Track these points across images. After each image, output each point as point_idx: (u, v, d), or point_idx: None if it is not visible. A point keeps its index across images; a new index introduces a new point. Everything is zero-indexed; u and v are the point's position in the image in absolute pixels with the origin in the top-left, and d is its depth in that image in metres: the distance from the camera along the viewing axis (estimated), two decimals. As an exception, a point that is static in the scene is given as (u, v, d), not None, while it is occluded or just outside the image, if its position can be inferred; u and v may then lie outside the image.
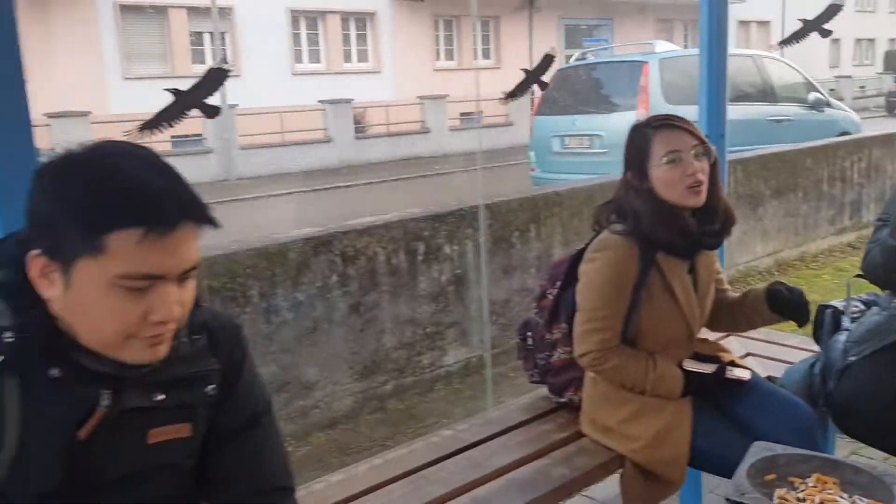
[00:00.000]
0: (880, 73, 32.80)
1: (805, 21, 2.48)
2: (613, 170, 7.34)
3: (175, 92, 1.61)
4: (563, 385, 2.20)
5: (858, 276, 2.51)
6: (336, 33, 19.82)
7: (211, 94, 1.65)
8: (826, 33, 2.52)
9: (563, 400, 2.23)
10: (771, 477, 1.51)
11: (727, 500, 1.40)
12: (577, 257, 2.08)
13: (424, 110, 17.95)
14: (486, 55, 23.27)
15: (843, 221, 6.81)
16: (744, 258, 5.72)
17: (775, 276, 5.81)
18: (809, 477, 1.50)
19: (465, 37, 22.68)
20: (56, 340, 1.00)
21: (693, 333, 2.05)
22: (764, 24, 30.62)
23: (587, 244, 2.06)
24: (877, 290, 2.48)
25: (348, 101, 16.72)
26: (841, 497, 1.43)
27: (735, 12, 28.82)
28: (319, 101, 16.32)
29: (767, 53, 9.58)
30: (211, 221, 1.02)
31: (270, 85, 16.78)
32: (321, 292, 3.29)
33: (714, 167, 1.96)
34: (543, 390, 2.39)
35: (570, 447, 2.07)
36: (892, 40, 37.92)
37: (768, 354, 2.67)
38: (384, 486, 1.86)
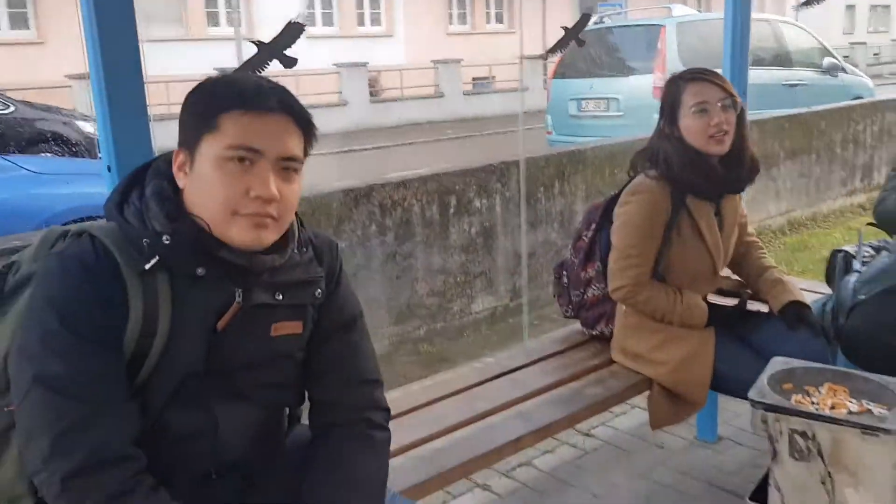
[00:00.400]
0: (895, 40, 32.50)
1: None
2: (630, 132, 7.52)
3: (258, 44, 1.81)
4: (595, 318, 2.41)
5: (870, 223, 2.71)
6: (350, -3, 19.84)
7: (289, 47, 1.85)
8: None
9: (595, 332, 2.45)
10: (788, 386, 1.73)
11: (751, 401, 1.61)
12: (612, 201, 2.28)
13: (438, 74, 17.98)
14: (499, 19, 23.21)
15: (854, 183, 6.96)
16: (757, 216, 5.89)
17: (787, 235, 5.99)
18: (822, 386, 1.71)
19: (479, 0, 22.61)
20: (202, 243, 1.21)
21: (717, 270, 2.25)
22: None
23: (622, 189, 2.25)
24: (886, 237, 2.68)
25: (363, 64, 16.77)
26: (850, 402, 1.65)
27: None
28: (335, 65, 16.39)
29: (784, 18, 9.62)
30: (306, 119, 1.25)
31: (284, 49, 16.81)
32: (361, 241, 3.50)
33: (741, 118, 2.14)
34: (575, 326, 2.61)
35: (603, 372, 2.29)
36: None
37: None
38: (438, 402, 2.08)
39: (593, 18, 10.21)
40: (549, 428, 1.99)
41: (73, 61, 7.39)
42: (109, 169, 1.59)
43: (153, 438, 1.21)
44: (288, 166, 1.23)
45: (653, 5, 11.12)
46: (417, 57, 19.35)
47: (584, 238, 2.39)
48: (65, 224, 1.32)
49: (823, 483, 1.55)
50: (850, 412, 1.59)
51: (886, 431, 1.46)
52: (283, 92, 1.24)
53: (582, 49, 8.99)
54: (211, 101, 1.21)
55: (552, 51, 2.80)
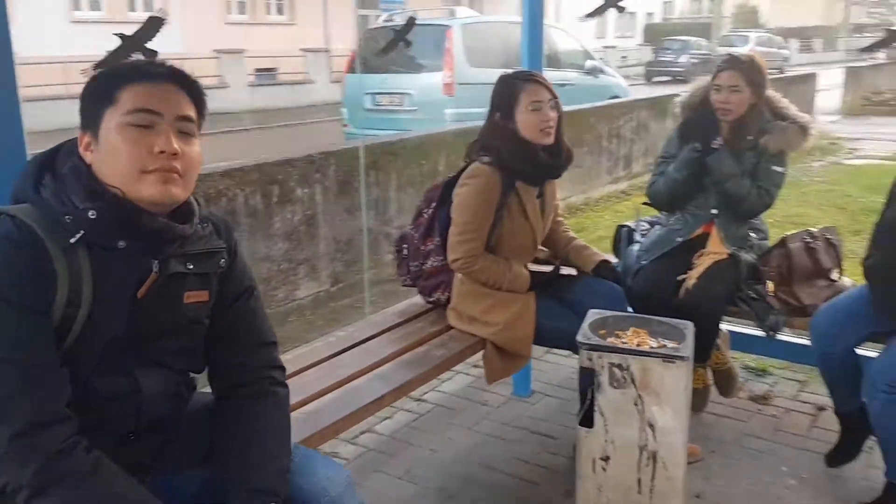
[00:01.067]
0: (640, 45, 36.42)
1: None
2: (424, 126, 7.92)
3: (122, 36, 1.87)
4: (432, 287, 2.71)
5: (645, 203, 3.25)
6: (119, -21, 18.65)
7: (150, 40, 1.93)
8: (621, 9, 3.19)
9: (431, 300, 2.74)
10: (602, 332, 2.12)
11: (578, 343, 1.98)
12: (450, 183, 2.58)
13: (221, 65, 17.47)
14: (280, 10, 22.95)
15: (618, 172, 7.91)
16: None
17: (567, 219, 6.71)
18: (628, 330, 2.13)
19: (258, -10, 22.23)
20: (125, 213, 1.32)
21: (537, 244, 2.64)
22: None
23: (459, 172, 2.56)
24: (656, 213, 3.23)
25: (153, 52, 15.86)
26: (650, 340, 2.07)
27: (518, -18, 30.57)
28: (108, 52, 15.34)
29: (553, 23, 10.58)
30: (195, 86, 1.40)
31: (46, 33, 15.51)
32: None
33: (560, 117, 2.53)
34: (410, 300, 2.89)
35: (443, 337, 2.58)
36: (650, 14, 42.11)
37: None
38: (302, 372, 2.25)
39: (382, 17, 10.58)
40: (406, 386, 2.25)
41: None
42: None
43: (82, 402, 1.30)
44: (184, 128, 1.37)
45: (433, 6, 11.75)
46: (195, 46, 18.63)
47: (424, 215, 2.68)
48: None
49: (636, 404, 1.95)
50: (651, 348, 2.01)
51: (681, 358, 1.89)
52: (170, 66, 1.40)
53: (374, 45, 9.32)
54: (109, 80, 1.35)
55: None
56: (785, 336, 3.12)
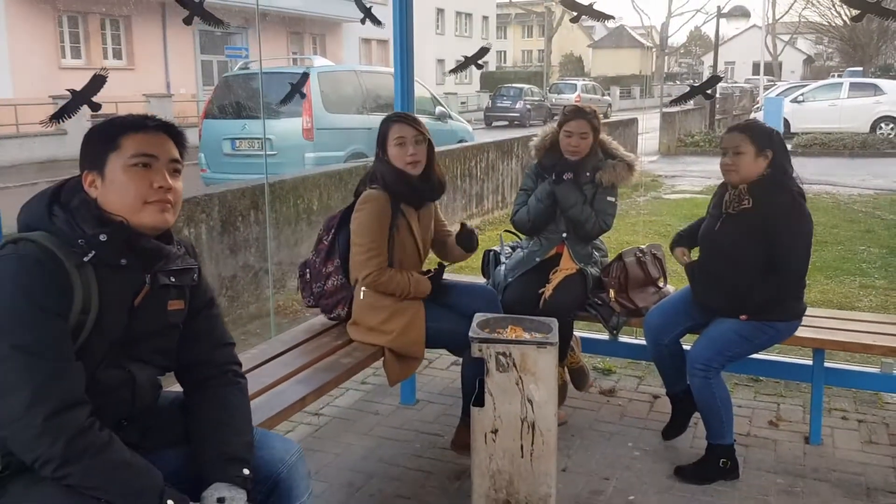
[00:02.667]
0: (478, 91, 38.33)
1: (466, 57, 3.66)
2: (284, 169, 8.20)
3: (72, 92, 2.17)
4: (334, 304, 3.10)
5: (507, 231, 3.80)
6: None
7: (95, 94, 2.24)
8: (480, 66, 3.75)
9: (332, 316, 3.13)
10: (486, 330, 2.60)
11: (470, 337, 2.44)
12: (346, 212, 3.00)
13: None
14: (117, 55, 22.37)
15: (472, 209, 8.57)
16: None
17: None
18: (507, 327, 2.62)
19: (94, 35, 21.56)
20: (127, 239, 1.65)
21: (422, 257, 3.10)
22: (383, 42, 33.80)
23: (353, 202, 2.98)
24: (515, 239, 3.78)
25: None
26: (525, 334, 2.57)
27: (358, 31, 31.52)
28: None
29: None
30: (178, 132, 1.76)
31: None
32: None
33: (430, 149, 3.00)
34: (311, 321, 3.25)
35: (347, 348, 2.96)
36: (485, 63, 44.37)
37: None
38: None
39: (238, 64, 10.81)
40: (323, 388, 2.62)
41: None
42: None
43: (88, 392, 1.61)
44: (174, 168, 1.74)
45: (278, 55, 12.13)
46: (28, 91, 17.85)
47: (325, 241, 3.08)
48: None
49: (517, 384, 2.43)
50: (526, 339, 2.51)
51: (552, 344, 2.40)
52: (160, 119, 1.77)
53: (231, 91, 9.54)
54: (112, 131, 1.70)
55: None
56: (625, 338, 3.78)
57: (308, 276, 3.15)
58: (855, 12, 2.94)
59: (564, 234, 3.47)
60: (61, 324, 1.56)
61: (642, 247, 3.61)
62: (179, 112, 19.82)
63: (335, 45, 30.39)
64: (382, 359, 2.96)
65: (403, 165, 2.94)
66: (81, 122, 16.71)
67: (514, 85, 31.20)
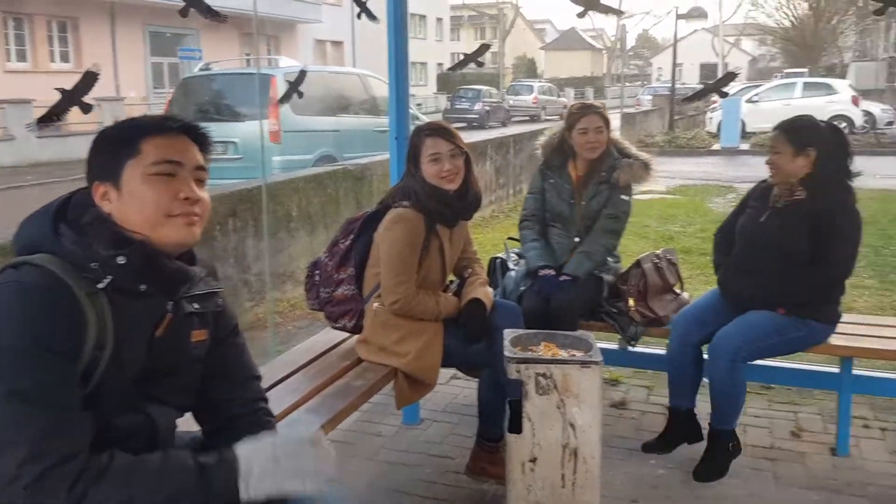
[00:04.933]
0: (435, 93, 38.14)
1: (465, 54, 3.46)
2: (250, 174, 7.87)
3: (62, 91, 1.88)
4: (340, 314, 2.85)
5: (510, 238, 3.61)
6: None
7: (86, 94, 1.96)
8: (480, 64, 3.54)
9: (337, 325, 2.89)
10: (518, 348, 2.38)
11: (507, 358, 2.22)
12: (371, 217, 2.75)
13: (6, 116, 16.08)
14: (64, 58, 21.59)
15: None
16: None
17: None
18: (539, 345, 2.40)
19: (39, 37, 20.77)
20: (149, 261, 1.39)
21: (445, 279, 2.87)
22: (337, 43, 33.40)
23: (379, 206, 2.74)
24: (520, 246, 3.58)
25: None
26: (560, 351, 2.36)
27: (312, 32, 31.07)
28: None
29: (370, 73, 10.95)
30: (203, 135, 1.51)
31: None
32: None
33: (468, 162, 2.77)
34: (314, 339, 3.00)
35: (357, 369, 2.72)
36: (440, 64, 44.27)
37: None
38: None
39: (199, 66, 10.41)
40: (338, 417, 2.37)
41: None
42: None
43: (102, 439, 1.34)
44: (199, 176, 1.49)
45: (226, 53, 11.74)
46: (-32, 95, 17.09)
47: (341, 244, 2.82)
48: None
49: (559, 408, 2.22)
50: (568, 357, 2.30)
51: (595, 363, 2.19)
52: (179, 118, 1.52)
53: (191, 94, 9.16)
54: (129, 133, 1.44)
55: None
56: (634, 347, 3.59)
57: (318, 277, 2.89)
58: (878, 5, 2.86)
59: (577, 239, 3.30)
60: (68, 366, 1.30)
61: (657, 252, 3.44)
62: (130, 115, 19.12)
63: (291, 47, 29.84)
64: (394, 381, 2.73)
65: (438, 181, 2.70)
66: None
67: (472, 86, 31.08)
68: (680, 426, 3.06)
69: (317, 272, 2.90)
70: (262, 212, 4.18)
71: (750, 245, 2.89)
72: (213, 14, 2.41)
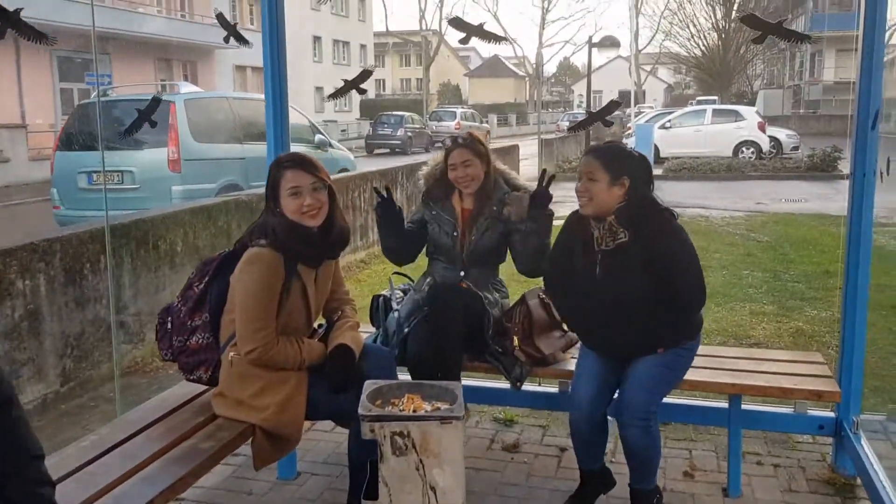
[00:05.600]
0: (359, 119, 37.95)
1: (345, 81, 3.28)
2: (148, 204, 7.54)
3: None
4: (195, 364, 2.59)
5: (397, 272, 3.41)
6: None
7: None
8: (362, 91, 3.36)
9: (192, 377, 2.62)
10: (379, 402, 2.18)
11: (360, 416, 2.02)
12: (227, 258, 2.51)
13: None
14: (-37, 83, 20.53)
15: (356, 242, 8.12)
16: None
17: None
18: (403, 396, 2.21)
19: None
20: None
21: (311, 323, 2.64)
22: (259, 69, 32.85)
23: (235, 247, 2.50)
24: (407, 281, 3.40)
25: None
26: (425, 404, 2.17)
27: (231, 58, 30.53)
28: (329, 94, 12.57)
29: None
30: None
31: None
32: None
33: (332, 196, 2.57)
34: (166, 394, 2.73)
35: (210, 427, 2.47)
36: (364, 91, 44.11)
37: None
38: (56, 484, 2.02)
39: (94, 93, 9.94)
40: (177, 486, 2.12)
41: None
42: None
43: None
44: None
45: (141, 78, 11.32)
46: None
47: (195, 288, 2.56)
48: None
49: (417, 469, 2.02)
50: (427, 411, 2.11)
51: (457, 418, 2.00)
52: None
53: (88, 120, 8.72)
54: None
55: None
56: (527, 386, 3.43)
57: (170, 325, 2.62)
58: (757, 33, 2.87)
59: (462, 273, 3.14)
60: None
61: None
62: (36, 143, 18.25)
63: (208, 73, 29.25)
64: (251, 439, 2.49)
65: (300, 217, 2.48)
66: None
67: (394, 112, 30.99)
68: (595, 484, 2.90)
69: (169, 319, 2.64)
70: (106, 253, 3.88)
71: (598, 302, 2.69)
72: (35, 35, 2.21)
